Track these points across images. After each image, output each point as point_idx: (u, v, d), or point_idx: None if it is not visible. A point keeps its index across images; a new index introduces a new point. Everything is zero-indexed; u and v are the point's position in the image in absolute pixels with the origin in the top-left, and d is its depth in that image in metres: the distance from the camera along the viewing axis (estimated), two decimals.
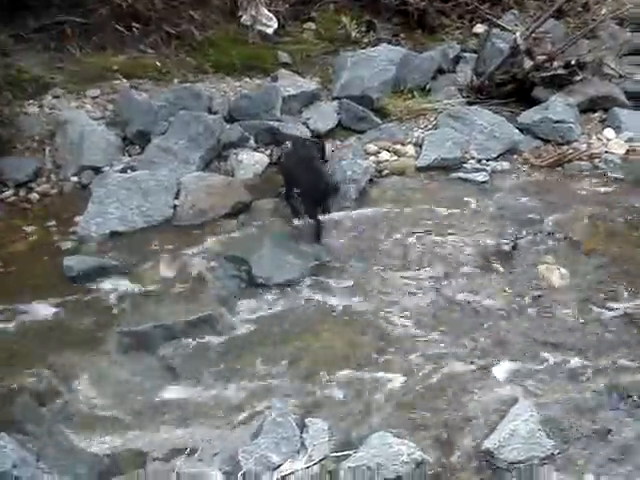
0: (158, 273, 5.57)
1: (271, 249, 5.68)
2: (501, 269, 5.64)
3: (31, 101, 7.39)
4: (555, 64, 7.95)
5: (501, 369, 4.71)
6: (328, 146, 7.02)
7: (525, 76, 7.88)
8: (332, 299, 5.32)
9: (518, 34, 7.91)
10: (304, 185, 5.97)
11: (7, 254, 5.81)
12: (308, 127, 7.30)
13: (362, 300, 5.31)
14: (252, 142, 7.00)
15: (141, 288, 5.41)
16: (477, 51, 8.44)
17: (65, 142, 6.84)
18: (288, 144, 6.38)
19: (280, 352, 4.86)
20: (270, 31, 8.81)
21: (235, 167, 6.76)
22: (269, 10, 8.85)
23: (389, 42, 8.76)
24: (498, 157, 7.14)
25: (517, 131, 7.37)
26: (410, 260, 5.72)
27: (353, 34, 9.02)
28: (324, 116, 7.49)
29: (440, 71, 8.45)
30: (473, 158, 7.07)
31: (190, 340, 4.94)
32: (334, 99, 7.76)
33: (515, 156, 7.21)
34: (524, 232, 6.02)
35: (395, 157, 7.06)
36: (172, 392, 4.60)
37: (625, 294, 5.36)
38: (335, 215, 6.12)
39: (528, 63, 7.88)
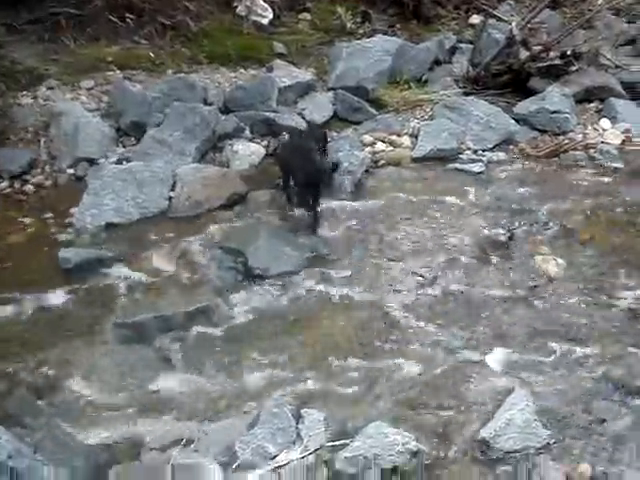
0: (154, 265, 5.55)
1: (267, 240, 5.66)
2: (497, 259, 5.64)
3: (25, 92, 7.36)
4: (551, 54, 7.95)
5: (497, 359, 4.71)
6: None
7: (521, 66, 7.88)
8: (329, 290, 5.31)
9: (514, 24, 7.89)
10: (297, 174, 5.95)
11: (4, 246, 5.79)
12: (304, 118, 7.27)
13: (360, 291, 5.31)
14: (248, 133, 6.99)
15: (137, 280, 5.39)
16: (473, 42, 8.42)
17: (60, 133, 6.81)
18: (285, 134, 6.37)
19: (278, 343, 4.86)
20: (265, 21, 8.80)
21: (231, 158, 6.74)
22: (264, 1, 8.83)
23: (385, 33, 8.75)
24: (494, 148, 7.13)
25: (513, 122, 7.36)
26: (407, 251, 5.71)
27: (348, 25, 9.00)
28: (319, 107, 7.48)
29: (436, 62, 8.44)
30: (469, 149, 7.06)
31: (187, 331, 4.93)
32: (329, 90, 7.75)
33: (511, 147, 7.20)
34: (520, 222, 6.02)
35: (391, 148, 7.05)
36: (169, 383, 4.59)
37: (622, 284, 5.36)
38: (331, 206, 6.11)
39: (524, 53, 7.87)
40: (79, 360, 4.72)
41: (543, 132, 7.37)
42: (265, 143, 6.94)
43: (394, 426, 4.07)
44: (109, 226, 5.94)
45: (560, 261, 5.56)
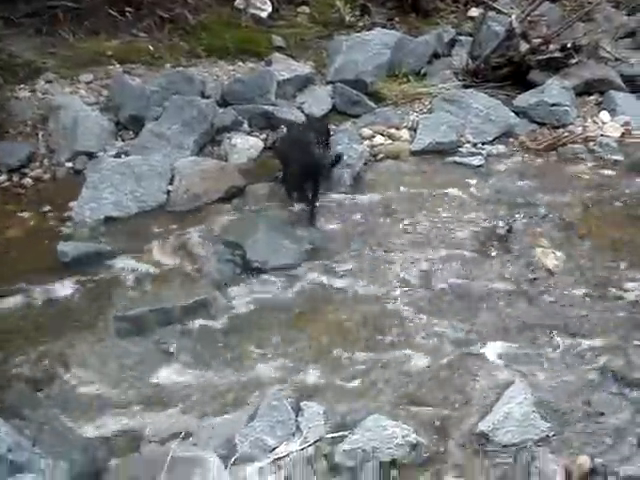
0: (153, 258, 5.55)
1: (266, 233, 5.66)
2: (497, 252, 5.64)
3: (23, 86, 7.35)
4: (551, 47, 7.94)
5: (496, 352, 4.71)
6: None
7: (521, 59, 7.87)
8: (329, 283, 5.31)
9: (514, 17, 7.87)
10: (296, 167, 5.94)
11: (2, 240, 5.78)
12: (302, 111, 7.27)
13: (359, 283, 5.30)
14: (246, 126, 6.98)
15: (136, 273, 5.38)
16: (472, 34, 8.41)
17: (58, 127, 6.81)
18: (283, 128, 6.37)
19: (277, 335, 4.86)
20: (264, 15, 8.78)
21: (229, 151, 6.73)
22: None
23: (384, 26, 8.75)
24: (494, 141, 7.13)
25: (513, 114, 7.35)
26: (406, 243, 5.70)
27: (347, 18, 9.00)
28: (318, 100, 7.47)
29: (435, 55, 8.44)
30: (468, 142, 7.06)
31: (186, 324, 4.93)
32: (328, 83, 7.74)
33: (511, 139, 7.20)
34: (519, 215, 6.01)
35: (390, 141, 7.04)
36: (168, 376, 4.58)
37: (621, 277, 5.36)
38: (330, 199, 6.11)
39: (524, 46, 7.86)
40: (78, 353, 4.71)
41: (543, 125, 7.36)
42: (264, 136, 6.94)
43: (393, 419, 4.07)
44: (108, 220, 5.93)
45: (559, 254, 5.56)
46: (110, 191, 6.05)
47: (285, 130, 6.61)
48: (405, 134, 7.11)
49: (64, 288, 5.25)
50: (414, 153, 6.89)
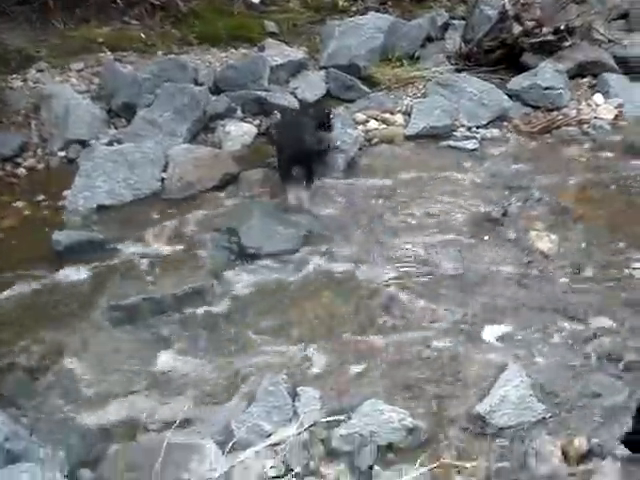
0: (147, 246, 5.54)
1: (260, 219, 5.65)
2: (491, 236, 5.63)
3: (15, 75, 7.29)
4: (544, 30, 7.89)
5: (493, 335, 4.71)
6: None
7: (514, 42, 7.82)
8: (325, 268, 5.30)
9: (507, 0, 7.84)
10: (290, 152, 5.93)
11: None
12: (296, 97, 7.24)
13: (354, 268, 5.29)
14: (239, 113, 6.95)
15: (129, 261, 5.38)
16: (465, 18, 8.37)
17: (50, 116, 6.77)
18: (277, 113, 6.35)
19: (274, 321, 4.86)
20: (256, 0, 8.72)
21: (222, 138, 6.70)
22: None
23: (377, 10, 8.66)
24: (488, 124, 7.10)
25: (506, 98, 7.32)
26: (401, 228, 5.70)
27: (340, 3, 8.95)
28: (312, 85, 7.43)
29: (429, 39, 8.39)
30: (462, 126, 7.03)
31: (181, 312, 4.92)
32: (322, 68, 7.70)
33: (505, 123, 7.17)
34: (514, 199, 6.00)
35: (384, 126, 7.02)
36: (165, 364, 4.58)
37: (615, 259, 5.36)
38: (325, 184, 6.10)
39: (517, 29, 7.81)
40: (73, 342, 4.71)
41: (536, 108, 7.32)
42: (257, 123, 6.91)
43: (390, 403, 4.08)
44: (101, 208, 5.92)
45: (554, 237, 5.56)
46: (103, 179, 6.03)
47: (279, 116, 6.58)
48: (399, 118, 7.09)
49: (58, 277, 5.24)
50: (408, 137, 6.88)
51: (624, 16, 8.78)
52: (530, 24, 7.82)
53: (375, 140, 6.84)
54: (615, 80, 7.61)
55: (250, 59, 7.60)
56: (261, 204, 5.91)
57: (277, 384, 4.18)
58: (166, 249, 5.52)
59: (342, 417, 3.89)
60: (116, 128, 6.87)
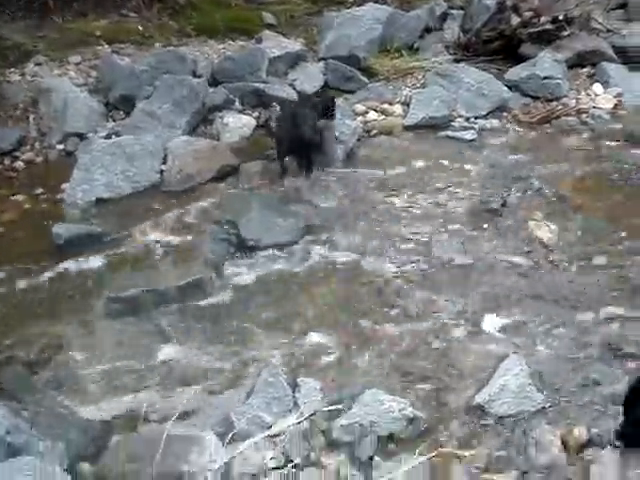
0: (146, 238, 5.54)
1: (260, 211, 5.66)
2: (491, 226, 5.63)
3: (13, 69, 7.32)
4: (542, 19, 7.88)
5: (492, 324, 4.71)
6: None
7: (512, 32, 7.82)
8: (322, 259, 5.31)
9: None
10: (288, 143, 5.93)
11: None
12: (294, 88, 7.23)
13: (354, 259, 5.30)
14: (238, 105, 6.95)
15: (129, 253, 5.38)
16: (464, 8, 8.39)
17: (49, 110, 6.79)
18: (275, 105, 6.35)
19: (273, 312, 4.86)
20: None
21: (221, 130, 6.71)
22: None
23: (375, 1, 8.63)
24: (487, 115, 7.11)
25: (505, 88, 7.33)
26: (400, 218, 5.70)
27: None
28: (310, 77, 7.44)
29: (427, 29, 8.40)
30: (461, 116, 7.04)
31: (181, 304, 4.92)
32: (320, 60, 7.70)
33: (504, 113, 7.18)
34: (513, 189, 5.99)
35: (383, 117, 7.03)
36: (166, 356, 4.58)
37: (614, 248, 5.36)
38: (324, 175, 6.09)
39: (515, 19, 7.81)
40: (73, 335, 4.72)
41: (535, 98, 7.33)
42: (256, 114, 6.90)
43: (390, 393, 4.08)
44: (100, 201, 5.92)
45: (553, 227, 5.55)
46: (102, 172, 6.03)
47: (278, 108, 6.57)
48: (398, 109, 7.09)
49: (59, 269, 5.25)
50: (407, 128, 6.89)
51: (623, 6, 8.77)
52: (528, 14, 7.80)
53: (374, 131, 6.85)
54: (614, 70, 7.60)
55: (248, 51, 7.60)
56: (260, 196, 5.91)
57: (277, 375, 4.18)
58: (166, 241, 5.52)
59: (341, 406, 3.89)
60: (114, 121, 6.87)
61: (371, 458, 3.81)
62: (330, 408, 3.72)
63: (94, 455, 3.84)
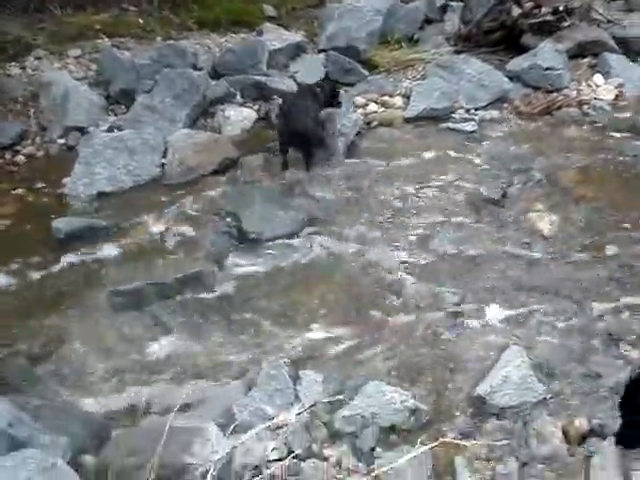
0: (148, 232, 5.55)
1: (261, 204, 5.66)
2: (492, 218, 5.62)
3: (13, 63, 7.32)
4: (543, 10, 7.86)
5: (493, 316, 4.71)
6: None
7: (513, 23, 7.81)
8: (324, 252, 5.31)
9: None
10: (289, 136, 5.93)
11: None
12: (295, 80, 7.23)
13: (355, 251, 5.30)
14: (239, 97, 6.95)
15: (131, 247, 5.39)
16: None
17: (49, 103, 6.79)
18: (277, 98, 6.35)
19: (275, 304, 4.87)
20: None
21: (222, 123, 6.71)
22: None
23: None
24: (487, 106, 7.10)
25: (506, 79, 7.31)
26: (401, 210, 5.70)
27: None
28: (311, 69, 7.43)
29: (427, 21, 8.41)
30: (462, 108, 7.03)
31: (182, 297, 4.93)
32: (320, 52, 7.70)
33: (505, 104, 7.18)
34: (514, 180, 5.99)
35: (383, 109, 7.03)
36: (166, 348, 4.59)
37: (615, 239, 5.35)
38: (325, 168, 6.09)
39: (516, 10, 7.80)
40: (74, 328, 4.72)
41: (536, 89, 7.32)
42: (257, 107, 6.90)
43: (392, 384, 4.08)
44: (102, 195, 5.93)
45: (554, 218, 5.54)
46: (103, 166, 6.04)
47: (280, 100, 6.56)
48: (398, 101, 7.09)
49: (59, 264, 5.25)
50: (408, 120, 6.88)
51: None
52: (528, 5, 7.79)
53: (375, 123, 6.84)
54: (615, 60, 7.59)
55: (249, 43, 7.60)
56: (262, 189, 5.91)
57: (279, 367, 4.18)
58: (167, 234, 5.51)
59: (342, 397, 3.89)
60: (115, 115, 6.88)
61: (373, 449, 3.82)
62: (331, 399, 3.72)
63: (97, 447, 3.85)
